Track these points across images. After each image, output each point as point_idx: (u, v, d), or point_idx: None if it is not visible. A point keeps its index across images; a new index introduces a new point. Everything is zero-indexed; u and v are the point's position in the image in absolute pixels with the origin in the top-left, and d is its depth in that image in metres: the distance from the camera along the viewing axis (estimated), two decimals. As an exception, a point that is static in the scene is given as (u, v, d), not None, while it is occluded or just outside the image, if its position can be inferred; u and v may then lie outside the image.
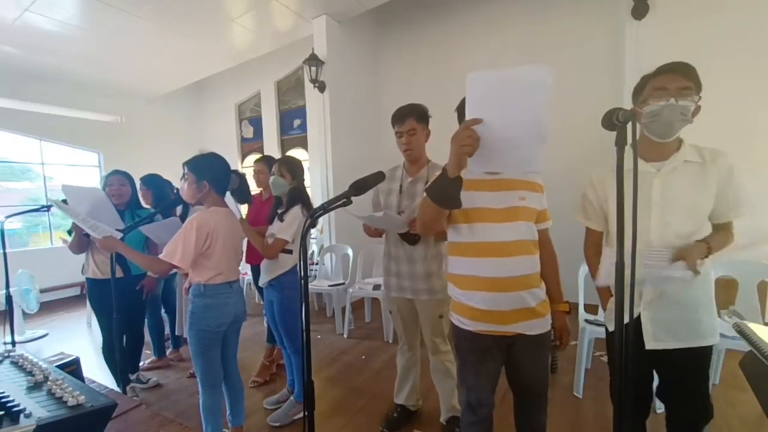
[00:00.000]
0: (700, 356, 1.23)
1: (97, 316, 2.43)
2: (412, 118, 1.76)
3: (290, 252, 2.05)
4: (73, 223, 2.13)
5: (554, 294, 1.36)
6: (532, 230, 1.28)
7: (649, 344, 1.22)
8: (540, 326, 1.28)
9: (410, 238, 1.80)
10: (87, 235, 2.27)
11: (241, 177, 1.81)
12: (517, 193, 1.26)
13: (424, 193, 1.19)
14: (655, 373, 1.36)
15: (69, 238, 2.38)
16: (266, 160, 2.59)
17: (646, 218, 1.20)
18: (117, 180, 2.43)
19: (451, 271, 1.37)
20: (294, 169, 2.12)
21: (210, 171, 1.69)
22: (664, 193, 1.20)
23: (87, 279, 2.41)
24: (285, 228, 1.98)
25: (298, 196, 2.06)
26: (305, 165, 5.58)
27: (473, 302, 1.27)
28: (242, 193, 1.88)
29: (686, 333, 1.21)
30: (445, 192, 1.10)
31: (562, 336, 1.36)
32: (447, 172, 1.07)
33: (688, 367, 1.25)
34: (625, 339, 0.83)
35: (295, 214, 1.99)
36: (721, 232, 1.22)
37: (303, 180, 2.14)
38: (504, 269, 1.22)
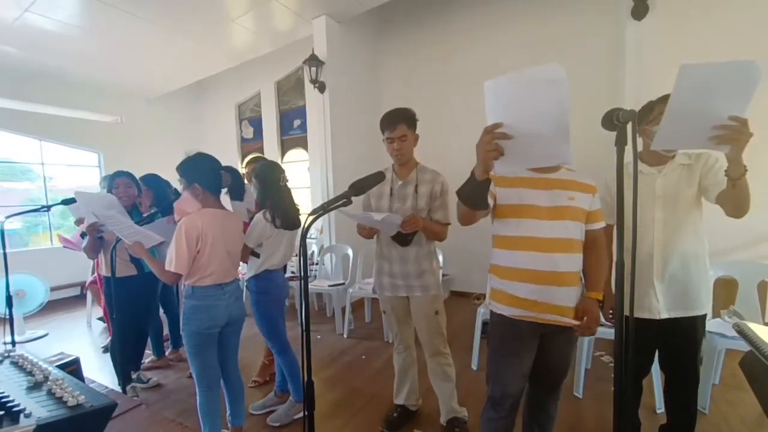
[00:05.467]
0: (694, 325, 1.50)
1: (110, 313, 2.45)
2: (403, 124, 1.77)
3: (257, 255, 2.03)
4: (88, 227, 2.16)
5: (592, 283, 1.36)
6: (579, 230, 1.32)
7: (663, 314, 1.47)
8: (572, 321, 1.31)
9: (402, 240, 1.81)
10: (100, 238, 2.29)
11: (234, 173, 1.79)
12: (566, 193, 1.31)
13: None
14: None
15: (69, 236, 2.40)
16: (257, 162, 2.50)
17: (652, 208, 1.49)
18: (123, 182, 2.44)
19: (493, 263, 1.42)
20: (254, 173, 2.08)
21: (198, 172, 1.67)
22: (665, 189, 1.48)
23: (103, 276, 2.46)
24: (248, 233, 1.96)
25: (263, 199, 2.04)
26: (304, 165, 5.53)
27: (512, 291, 1.33)
28: (235, 190, 1.85)
29: (691, 304, 1.48)
30: (474, 194, 1.17)
31: (588, 321, 1.28)
32: (475, 176, 1.11)
33: (687, 333, 1.50)
34: (625, 335, 0.83)
35: (257, 220, 1.97)
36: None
37: (272, 180, 2.03)
38: (546, 263, 1.26)
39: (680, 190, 1.47)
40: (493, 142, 1.03)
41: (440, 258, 2.53)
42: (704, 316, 1.52)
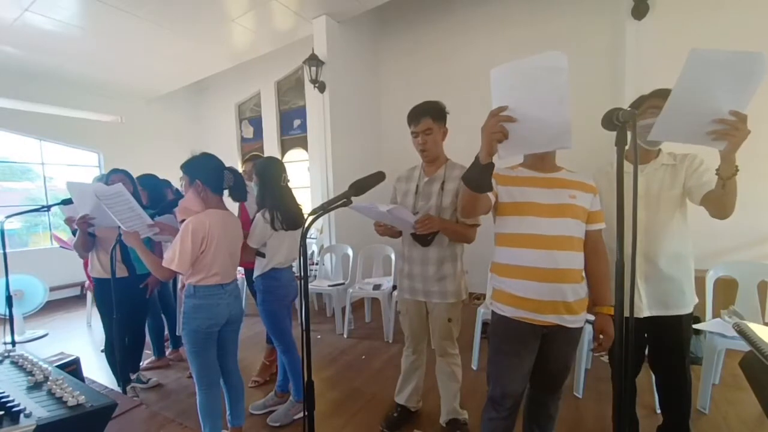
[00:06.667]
0: (679, 324, 1.50)
1: (101, 315, 2.43)
2: (428, 117, 1.71)
3: (263, 255, 2.04)
4: (79, 219, 2.12)
5: (600, 296, 1.36)
6: (580, 228, 1.32)
7: (645, 312, 1.48)
8: (574, 322, 1.31)
9: (422, 239, 1.77)
10: (92, 235, 2.27)
11: (236, 174, 1.81)
12: (567, 192, 1.31)
13: (460, 181, 1.26)
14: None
15: (65, 237, 2.38)
16: (255, 160, 2.51)
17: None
18: (118, 179, 2.42)
19: (494, 261, 1.42)
20: (256, 169, 2.08)
21: (201, 170, 1.69)
22: (646, 188, 1.48)
23: (93, 278, 2.42)
24: (250, 234, 1.97)
25: (264, 198, 2.03)
26: (304, 165, 5.54)
27: (513, 289, 1.33)
28: (238, 191, 1.87)
29: (673, 303, 1.48)
30: (478, 178, 1.18)
31: (603, 339, 1.32)
32: (479, 160, 1.13)
33: (673, 332, 1.51)
34: (625, 334, 0.83)
35: (257, 220, 1.98)
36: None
37: (272, 178, 2.03)
38: (547, 260, 1.27)
39: (663, 190, 1.47)
40: (498, 125, 1.05)
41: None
42: (689, 315, 1.52)
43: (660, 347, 1.57)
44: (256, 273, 2.09)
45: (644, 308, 1.48)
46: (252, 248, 1.98)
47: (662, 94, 1.38)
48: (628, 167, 1.48)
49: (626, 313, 0.84)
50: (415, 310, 1.91)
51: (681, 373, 1.54)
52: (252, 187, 2.19)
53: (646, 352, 1.63)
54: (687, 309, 1.50)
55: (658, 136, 1.11)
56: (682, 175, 1.45)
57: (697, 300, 1.53)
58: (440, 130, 1.76)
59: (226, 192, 1.82)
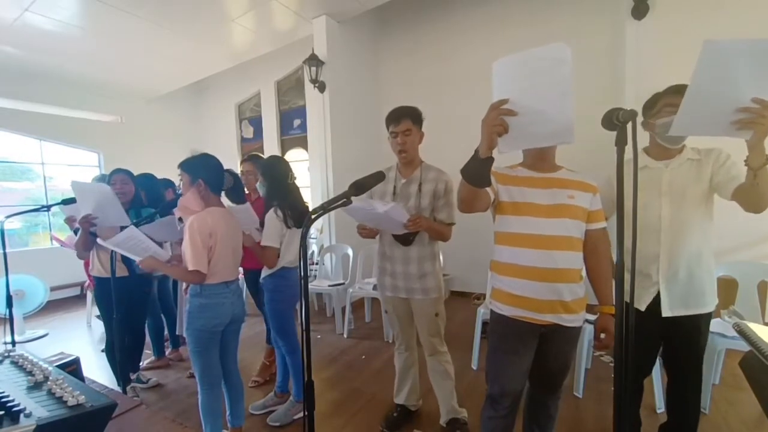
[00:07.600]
0: (698, 323, 1.48)
1: (101, 315, 2.43)
2: (407, 119, 1.76)
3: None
4: (81, 219, 2.11)
5: (601, 295, 1.36)
6: (579, 228, 1.32)
7: (666, 312, 1.44)
8: (572, 321, 1.32)
9: (404, 239, 1.80)
10: (93, 234, 2.27)
11: (235, 176, 1.82)
12: (566, 192, 1.31)
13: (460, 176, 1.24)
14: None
15: (63, 237, 2.36)
16: (254, 160, 2.52)
17: (658, 204, 1.45)
18: (120, 179, 2.42)
19: (494, 259, 1.43)
20: (263, 168, 2.09)
21: (203, 170, 1.70)
22: (671, 184, 1.44)
23: (94, 277, 2.42)
24: (266, 235, 1.96)
25: (271, 196, 2.03)
26: (304, 165, 5.54)
27: (512, 288, 1.33)
28: (237, 193, 1.88)
29: (695, 302, 1.45)
30: (477, 172, 1.15)
31: (605, 338, 1.32)
32: (478, 153, 1.10)
33: (691, 331, 1.48)
34: (625, 333, 0.83)
35: (269, 218, 1.98)
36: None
37: (279, 176, 2.05)
38: (545, 260, 1.27)
39: (688, 186, 1.42)
40: (498, 118, 1.03)
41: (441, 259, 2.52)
42: (709, 314, 1.49)
43: (677, 347, 1.54)
44: (264, 272, 2.08)
45: (666, 308, 1.45)
46: (273, 249, 1.96)
47: (677, 90, 1.35)
48: (649, 162, 1.45)
49: (628, 305, 0.84)
50: (400, 306, 1.93)
51: (694, 373, 1.52)
52: (258, 188, 2.18)
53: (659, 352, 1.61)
54: (708, 308, 1.46)
55: (678, 131, 1.07)
56: (708, 170, 1.40)
57: (717, 299, 1.50)
58: (418, 133, 1.81)
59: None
